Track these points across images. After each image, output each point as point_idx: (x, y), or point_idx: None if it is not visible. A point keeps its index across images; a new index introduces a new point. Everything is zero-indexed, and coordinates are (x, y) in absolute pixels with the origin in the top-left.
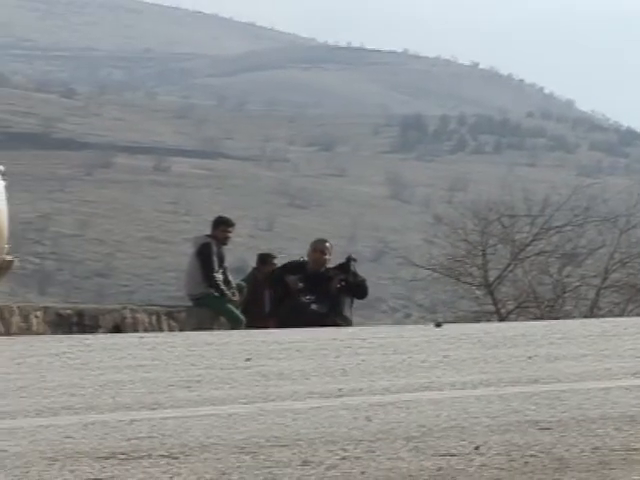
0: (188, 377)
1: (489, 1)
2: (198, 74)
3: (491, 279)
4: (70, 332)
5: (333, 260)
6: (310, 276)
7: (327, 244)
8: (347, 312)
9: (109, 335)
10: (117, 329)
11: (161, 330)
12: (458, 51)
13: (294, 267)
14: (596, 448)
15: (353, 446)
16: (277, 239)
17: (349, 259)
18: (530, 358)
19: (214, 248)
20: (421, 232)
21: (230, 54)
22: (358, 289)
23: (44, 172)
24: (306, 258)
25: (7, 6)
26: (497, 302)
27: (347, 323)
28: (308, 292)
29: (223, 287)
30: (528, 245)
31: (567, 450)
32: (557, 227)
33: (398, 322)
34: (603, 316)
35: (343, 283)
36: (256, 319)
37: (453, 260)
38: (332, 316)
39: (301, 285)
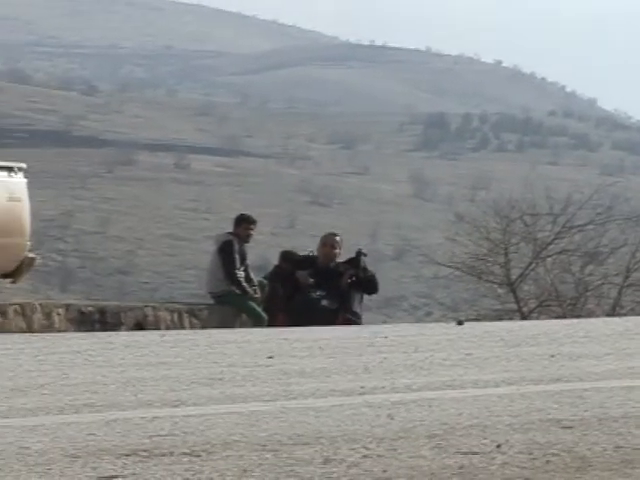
0: (210, 375)
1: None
2: (220, 72)
3: (513, 277)
4: (92, 330)
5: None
6: (320, 271)
7: (337, 238)
8: (357, 308)
9: (131, 333)
10: (139, 327)
11: (183, 328)
12: (481, 49)
13: (304, 262)
14: (618, 447)
15: (375, 444)
16: (299, 237)
17: (359, 253)
18: (552, 357)
19: (236, 246)
20: (443, 230)
21: (252, 52)
22: (369, 284)
23: (66, 170)
24: (315, 252)
25: (32, 4)
26: (519, 300)
27: (357, 319)
28: (318, 287)
29: (245, 285)
30: (550, 244)
31: (589, 449)
32: (579, 226)
33: (419, 320)
34: (625, 315)
35: (354, 278)
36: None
37: (475, 258)
38: (342, 312)
39: (311, 280)
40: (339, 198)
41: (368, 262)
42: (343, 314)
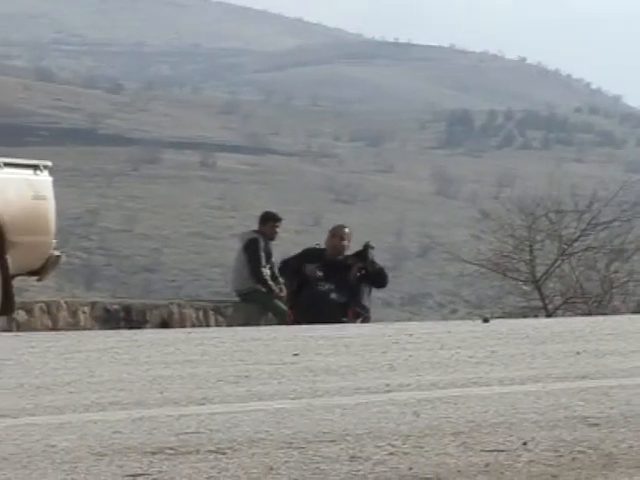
0: (236, 372)
1: None
2: (245, 70)
3: (538, 275)
4: (118, 327)
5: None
6: (328, 264)
7: (346, 230)
8: (366, 301)
9: (157, 330)
10: (164, 324)
11: (208, 325)
12: (505, 46)
13: (312, 255)
14: None
15: (401, 441)
16: (323, 235)
17: (367, 246)
18: (578, 354)
19: (261, 243)
20: (468, 228)
21: (277, 49)
22: (377, 278)
23: (91, 168)
24: (323, 245)
25: (57, 2)
26: (544, 298)
27: (366, 312)
28: (326, 281)
29: (270, 282)
30: (575, 241)
31: (615, 446)
32: (605, 223)
33: (445, 318)
34: None
35: (362, 271)
36: None
37: (500, 256)
38: (352, 305)
39: (320, 274)
40: (363, 196)
41: (377, 256)
42: (352, 308)
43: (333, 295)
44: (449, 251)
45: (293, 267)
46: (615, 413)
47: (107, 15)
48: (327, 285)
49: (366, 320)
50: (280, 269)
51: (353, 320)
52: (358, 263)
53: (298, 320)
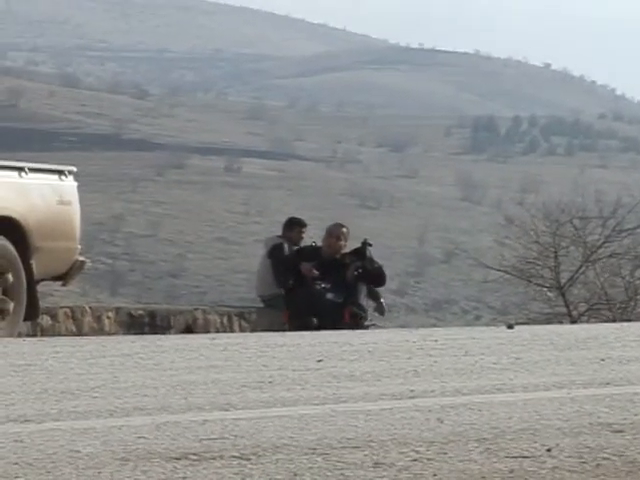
0: (260, 378)
1: (560, 3)
2: (270, 75)
3: (563, 281)
4: (142, 333)
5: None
6: (325, 263)
7: (344, 229)
8: (363, 301)
9: (181, 336)
10: (189, 330)
11: (232, 331)
12: (530, 52)
13: (308, 253)
14: None
15: (425, 448)
16: (348, 240)
17: (365, 244)
18: (602, 360)
19: (286, 249)
20: (492, 234)
21: (302, 55)
22: (375, 277)
23: (116, 173)
24: (319, 243)
25: (82, 8)
26: (569, 304)
27: (364, 312)
28: (323, 280)
29: None
30: (600, 247)
31: None
32: (629, 229)
33: (469, 324)
34: None
35: (360, 270)
36: None
37: (524, 262)
38: (348, 305)
39: (316, 273)
40: (388, 201)
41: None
42: (349, 307)
43: (329, 295)
44: (473, 257)
45: (288, 266)
46: (639, 420)
47: (131, 21)
48: (323, 284)
49: (363, 320)
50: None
51: (350, 320)
52: (356, 262)
53: (293, 320)
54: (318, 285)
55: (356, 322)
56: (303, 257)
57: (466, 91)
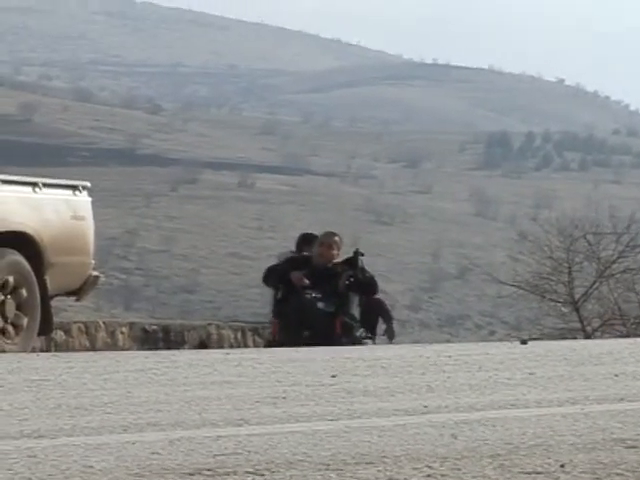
0: (274, 393)
1: (574, 18)
2: (283, 90)
3: (577, 296)
4: (156, 348)
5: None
6: (316, 272)
7: (336, 238)
8: (355, 311)
9: (195, 351)
10: (203, 345)
11: (246, 346)
12: (544, 68)
13: (299, 262)
14: None
15: (439, 463)
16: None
17: (356, 253)
18: (616, 376)
19: None
20: (506, 249)
21: (316, 70)
22: (367, 286)
23: (130, 188)
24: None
25: (96, 22)
26: (583, 319)
27: (355, 322)
28: (314, 289)
29: None
30: (614, 262)
31: None
32: None
33: (483, 339)
34: None
35: (351, 280)
36: None
37: (538, 277)
38: (339, 315)
39: (307, 282)
40: (402, 217)
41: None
42: (340, 317)
43: (320, 304)
44: (487, 272)
45: (279, 274)
46: None
47: (145, 36)
48: (314, 294)
49: (355, 330)
50: (265, 277)
51: (341, 331)
52: (347, 271)
53: (283, 330)
54: (309, 295)
55: (348, 332)
56: (294, 266)
57: (480, 106)
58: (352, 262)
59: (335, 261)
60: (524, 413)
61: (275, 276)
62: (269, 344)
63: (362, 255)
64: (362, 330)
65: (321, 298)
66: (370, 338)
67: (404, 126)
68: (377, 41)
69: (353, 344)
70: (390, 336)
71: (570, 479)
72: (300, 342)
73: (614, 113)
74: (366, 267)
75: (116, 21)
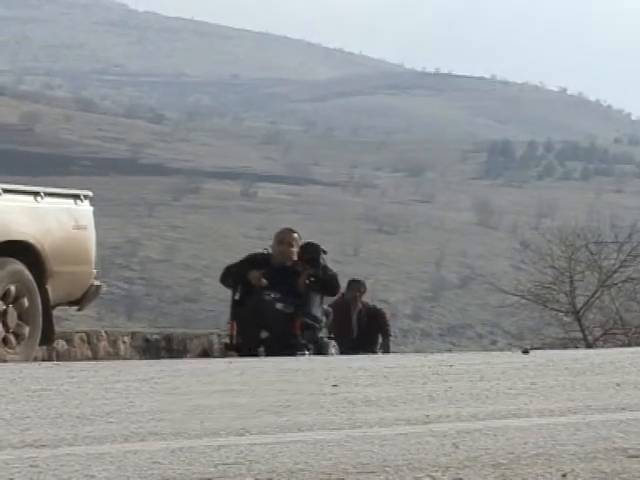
0: (276, 403)
1: (576, 28)
2: (286, 100)
3: (578, 305)
4: (158, 357)
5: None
6: (275, 271)
7: (295, 235)
8: (317, 311)
9: (197, 360)
10: (205, 354)
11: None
12: (546, 77)
13: (257, 261)
14: None
15: (440, 473)
16: (364, 265)
17: (318, 251)
18: (618, 385)
19: None
20: (508, 258)
21: (318, 80)
22: (328, 286)
23: (132, 197)
24: (270, 250)
25: (98, 32)
26: (584, 329)
27: (317, 323)
28: (272, 289)
29: None
30: (615, 272)
31: None
32: None
33: (485, 348)
34: None
35: (312, 279)
36: (343, 345)
37: (540, 286)
38: (299, 316)
39: (265, 282)
40: (404, 226)
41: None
42: (300, 318)
43: (279, 305)
44: (489, 282)
45: (236, 274)
46: None
47: (147, 45)
48: (273, 294)
49: (316, 331)
50: (222, 276)
51: (301, 332)
52: (308, 270)
53: (241, 332)
54: (267, 295)
55: (309, 333)
56: (252, 265)
57: (482, 116)
58: (313, 260)
59: (295, 259)
60: (526, 422)
61: (232, 276)
62: (226, 347)
63: (325, 253)
64: (324, 331)
65: (280, 298)
66: (333, 339)
67: (406, 135)
68: (379, 50)
69: (316, 345)
70: (386, 351)
71: None
72: (258, 344)
73: (616, 122)
74: (329, 265)
75: (118, 31)
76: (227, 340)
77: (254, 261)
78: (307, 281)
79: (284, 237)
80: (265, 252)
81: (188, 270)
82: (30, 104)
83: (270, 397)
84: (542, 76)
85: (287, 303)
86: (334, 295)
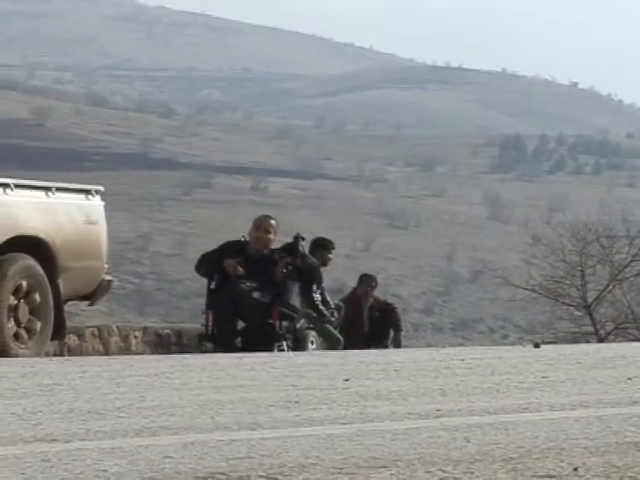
0: (287, 397)
1: (588, 21)
2: (297, 95)
3: (590, 300)
4: (169, 352)
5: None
6: (252, 259)
7: (272, 221)
8: (295, 301)
9: (208, 355)
10: (216, 349)
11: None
12: (557, 71)
13: (233, 248)
14: None
15: (452, 467)
16: (375, 259)
17: (297, 238)
18: (629, 379)
19: None
20: (519, 252)
21: (329, 74)
22: (307, 274)
23: (143, 192)
24: (247, 237)
25: (108, 27)
26: (596, 323)
27: (295, 312)
28: (249, 278)
29: (322, 307)
30: (627, 266)
31: None
32: None
33: (496, 343)
34: None
35: (290, 267)
36: (355, 339)
37: (552, 281)
38: (276, 305)
39: (241, 270)
40: (415, 220)
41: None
42: (277, 308)
43: (256, 294)
44: (501, 276)
45: (212, 262)
46: None
47: (158, 40)
48: (249, 283)
49: (294, 322)
50: (197, 265)
51: (278, 322)
52: (286, 258)
53: (216, 323)
54: (244, 284)
55: (287, 324)
56: (227, 252)
57: (493, 110)
58: (292, 248)
59: (273, 247)
60: (537, 417)
61: (207, 264)
62: (201, 338)
63: (303, 240)
64: (303, 321)
65: (257, 287)
66: (312, 328)
67: (417, 129)
68: (390, 45)
69: (294, 336)
70: (397, 345)
71: None
72: (235, 335)
73: (628, 116)
74: (307, 253)
75: (128, 25)
76: (202, 330)
77: (230, 249)
78: (285, 270)
79: (261, 223)
80: (242, 239)
81: None
82: (41, 99)
83: (281, 392)
84: (553, 70)
85: (264, 292)
86: (312, 284)
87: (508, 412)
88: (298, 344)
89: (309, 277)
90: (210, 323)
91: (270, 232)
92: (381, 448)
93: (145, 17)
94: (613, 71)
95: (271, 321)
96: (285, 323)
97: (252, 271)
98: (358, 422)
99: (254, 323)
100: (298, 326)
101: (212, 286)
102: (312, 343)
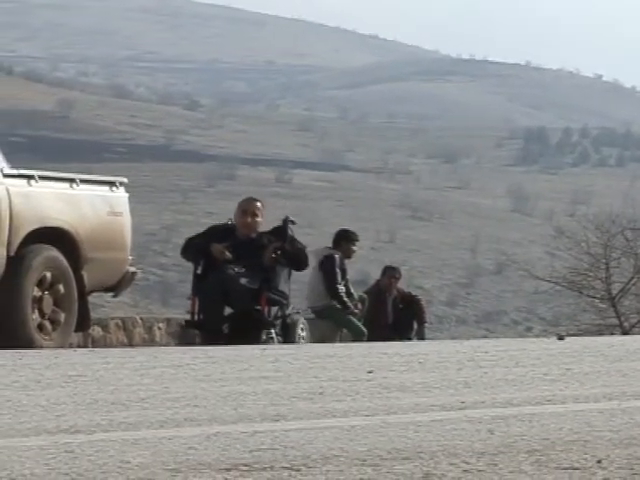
0: (310, 389)
1: (612, 14)
2: (321, 86)
3: (614, 292)
4: (193, 344)
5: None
6: (239, 244)
7: (258, 204)
8: (284, 286)
9: (231, 347)
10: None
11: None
12: (581, 63)
13: (220, 233)
14: None
15: (475, 459)
16: (399, 251)
17: (286, 221)
18: None
19: (337, 260)
20: (543, 245)
21: (353, 66)
22: (296, 259)
23: (167, 184)
24: (234, 221)
25: (132, 19)
26: (620, 315)
27: (284, 299)
28: (237, 263)
29: (345, 299)
30: None
31: None
32: None
33: (520, 335)
34: None
35: (278, 252)
36: (378, 331)
37: (576, 273)
38: (265, 291)
39: (229, 255)
40: (439, 213)
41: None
42: (265, 294)
43: (243, 279)
44: (524, 268)
45: (198, 247)
46: None
47: (181, 32)
48: (237, 268)
49: (283, 308)
50: (183, 249)
51: (266, 308)
52: (274, 242)
53: (203, 310)
54: (231, 269)
55: (275, 310)
56: (214, 237)
57: (517, 102)
58: (281, 232)
59: (261, 231)
60: (561, 409)
61: (194, 249)
62: (187, 324)
63: (293, 223)
64: (292, 307)
65: (245, 273)
66: (299, 313)
67: (441, 122)
68: (414, 37)
69: (283, 323)
70: (421, 337)
71: (607, 475)
72: (222, 322)
73: None
74: (297, 237)
75: (152, 17)
76: (188, 317)
77: (217, 233)
78: (273, 254)
79: (248, 207)
80: (229, 223)
81: None
82: (65, 91)
83: (304, 383)
84: (578, 62)
85: (252, 278)
86: (302, 270)
87: (532, 404)
88: (287, 331)
89: (298, 262)
90: (196, 310)
91: (257, 215)
92: (404, 440)
93: (169, 9)
94: (637, 63)
95: (259, 307)
96: (274, 309)
97: (240, 255)
98: (382, 414)
99: (241, 309)
100: (287, 312)
101: (198, 271)
102: (302, 330)
